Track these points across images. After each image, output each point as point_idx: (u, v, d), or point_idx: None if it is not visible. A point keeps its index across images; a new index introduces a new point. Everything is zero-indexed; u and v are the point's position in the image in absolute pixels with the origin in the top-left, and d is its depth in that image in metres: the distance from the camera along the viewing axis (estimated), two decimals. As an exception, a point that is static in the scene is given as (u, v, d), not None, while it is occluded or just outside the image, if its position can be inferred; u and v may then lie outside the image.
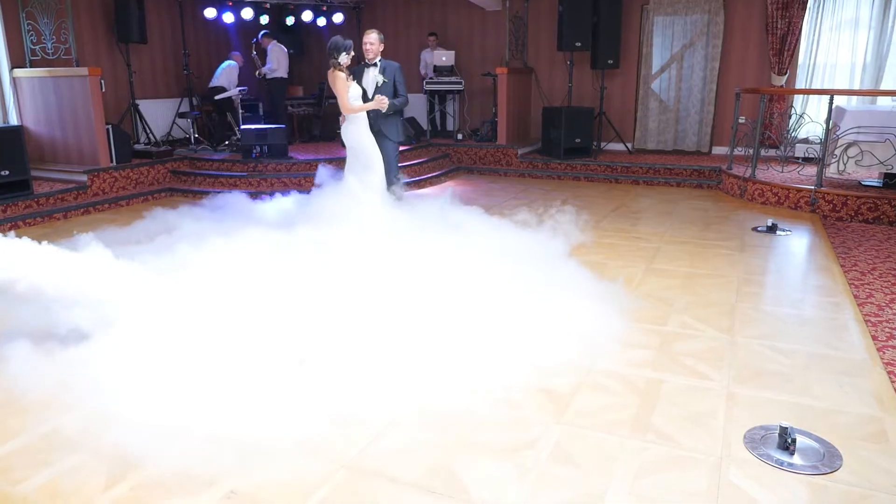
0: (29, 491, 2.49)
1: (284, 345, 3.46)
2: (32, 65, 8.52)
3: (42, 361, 3.42)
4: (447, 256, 4.71)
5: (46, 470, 2.61)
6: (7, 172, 7.05)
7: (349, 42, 5.84)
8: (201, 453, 2.63)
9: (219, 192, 7.67)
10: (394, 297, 4.05)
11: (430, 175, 9.45)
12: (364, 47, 6.01)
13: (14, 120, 8.54)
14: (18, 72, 8.45)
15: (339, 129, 10.43)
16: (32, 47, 8.50)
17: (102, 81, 8.27)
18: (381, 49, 6.04)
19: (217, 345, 3.45)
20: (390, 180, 6.15)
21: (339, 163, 8.99)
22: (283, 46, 10.61)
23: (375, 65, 6.02)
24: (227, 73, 10.24)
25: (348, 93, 5.82)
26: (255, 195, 7.61)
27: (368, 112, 5.98)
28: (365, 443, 2.77)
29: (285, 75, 10.66)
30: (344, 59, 5.78)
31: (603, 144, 10.48)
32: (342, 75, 5.81)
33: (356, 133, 6.00)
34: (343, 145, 6.21)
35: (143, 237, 5.86)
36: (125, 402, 3.01)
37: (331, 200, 6.15)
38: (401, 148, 6.46)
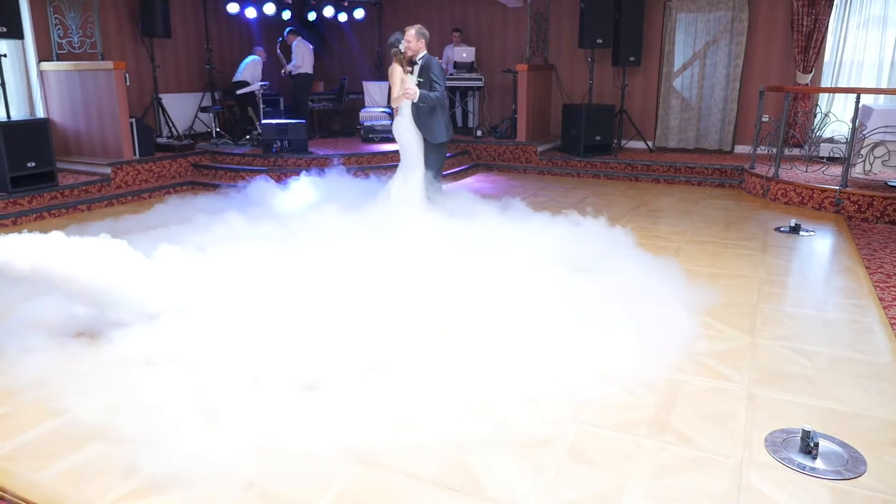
0: (50, 478, 2.53)
1: (305, 344, 3.46)
2: (59, 58, 8.63)
3: (62, 352, 3.47)
4: (472, 256, 4.69)
5: (65, 459, 2.64)
6: (33, 164, 7.15)
7: (401, 35, 5.99)
8: (220, 447, 2.64)
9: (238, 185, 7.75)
10: (413, 293, 4.04)
11: (450, 171, 9.44)
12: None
13: (40, 112, 8.67)
14: (45, 65, 8.56)
15: (359, 124, 10.52)
16: (59, 41, 8.61)
17: (127, 75, 8.36)
18: (420, 45, 5.93)
19: (240, 337, 3.47)
20: (429, 182, 6.13)
21: (357, 159, 9.04)
22: (307, 43, 10.63)
23: (416, 62, 5.96)
24: (251, 68, 10.30)
25: (398, 85, 5.96)
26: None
27: (412, 109, 5.99)
28: (382, 438, 2.77)
29: (310, 71, 10.68)
30: (403, 46, 5.92)
31: (623, 142, 10.41)
32: (398, 68, 5.95)
33: (399, 128, 6.11)
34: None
35: (160, 224, 6.00)
36: (145, 394, 3.05)
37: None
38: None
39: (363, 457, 2.65)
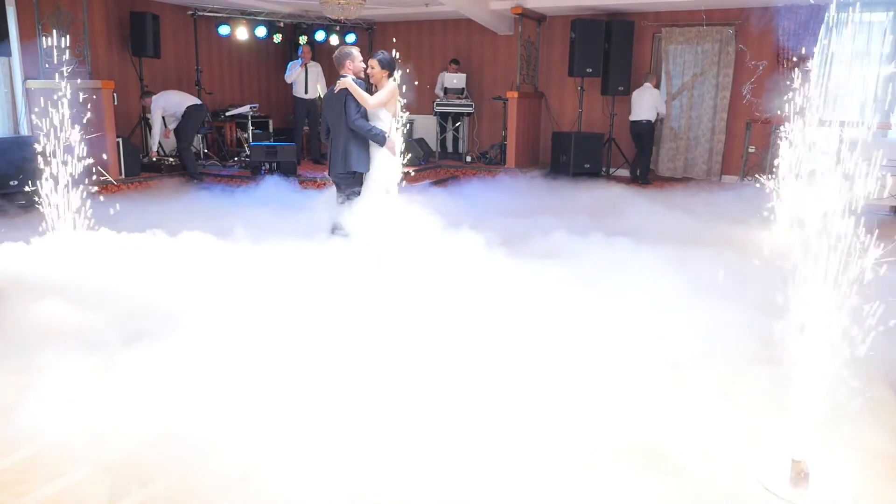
0: (31, 505, 2.41)
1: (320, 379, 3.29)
2: (46, 76, 8.53)
3: (51, 370, 3.36)
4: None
5: (50, 483, 2.52)
6: (16, 182, 7.04)
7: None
8: (210, 475, 2.54)
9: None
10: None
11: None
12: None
13: (25, 130, 8.55)
14: (31, 83, 8.47)
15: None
16: (47, 59, 8.52)
17: (115, 94, 8.29)
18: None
19: (239, 359, 3.38)
20: None
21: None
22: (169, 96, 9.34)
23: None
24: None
25: None
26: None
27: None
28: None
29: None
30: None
31: (612, 170, 10.48)
32: None
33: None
34: None
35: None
36: (135, 416, 2.94)
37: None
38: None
39: None
